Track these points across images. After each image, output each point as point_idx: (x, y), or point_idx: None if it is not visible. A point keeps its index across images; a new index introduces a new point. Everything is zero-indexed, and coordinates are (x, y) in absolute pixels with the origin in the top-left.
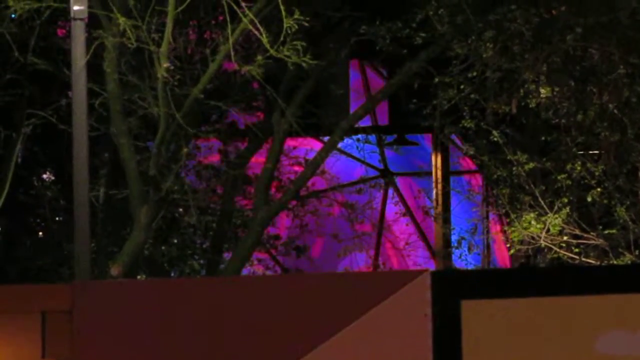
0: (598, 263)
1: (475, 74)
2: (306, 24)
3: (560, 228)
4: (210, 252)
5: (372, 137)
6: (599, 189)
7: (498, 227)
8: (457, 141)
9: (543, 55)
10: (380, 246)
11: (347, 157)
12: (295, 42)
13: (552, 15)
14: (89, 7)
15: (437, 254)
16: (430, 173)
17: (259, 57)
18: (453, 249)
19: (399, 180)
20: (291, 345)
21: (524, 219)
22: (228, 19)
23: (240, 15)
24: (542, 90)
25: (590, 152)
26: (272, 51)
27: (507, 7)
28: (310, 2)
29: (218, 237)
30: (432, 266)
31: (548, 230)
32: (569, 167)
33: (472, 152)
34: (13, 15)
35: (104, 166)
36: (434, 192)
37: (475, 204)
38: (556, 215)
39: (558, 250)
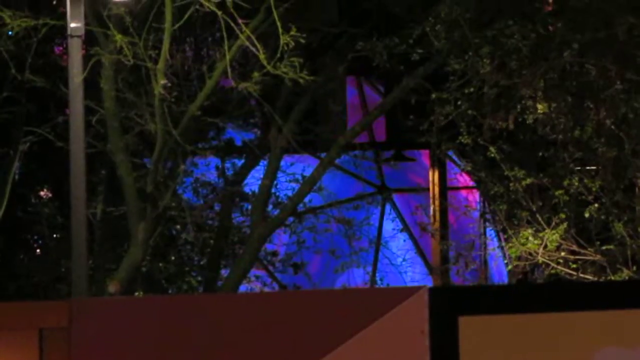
0: (596, 279)
1: (472, 89)
2: (303, 41)
3: (557, 244)
4: (208, 269)
5: (370, 153)
6: (596, 205)
7: (495, 243)
8: (455, 157)
9: (540, 71)
10: (377, 262)
11: (344, 173)
12: (292, 59)
13: (549, 31)
14: (86, 24)
15: (434, 271)
16: (428, 189)
17: (256, 74)
18: (450, 265)
19: (396, 197)
20: None
21: (521, 234)
22: (225, 35)
23: (237, 31)
24: (539, 106)
25: (588, 167)
26: (269, 67)
27: (504, 23)
28: (307, 19)
29: (215, 253)
30: (429, 282)
31: (545, 246)
32: (566, 182)
33: (469, 168)
34: (10, 33)
35: (101, 183)
36: (432, 208)
37: (473, 220)
38: (554, 231)
39: (555, 266)
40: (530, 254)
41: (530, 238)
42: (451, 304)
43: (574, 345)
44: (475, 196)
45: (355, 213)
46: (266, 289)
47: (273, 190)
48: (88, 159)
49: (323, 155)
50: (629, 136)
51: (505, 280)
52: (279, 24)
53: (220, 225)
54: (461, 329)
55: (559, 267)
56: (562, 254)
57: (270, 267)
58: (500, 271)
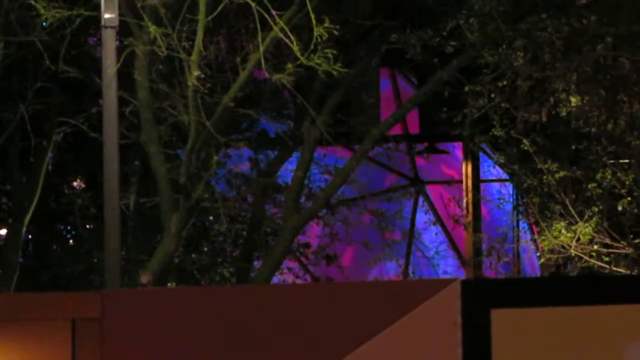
0: (628, 272)
1: (505, 82)
2: (336, 33)
3: (590, 237)
4: (241, 260)
5: (403, 146)
6: (629, 198)
7: (528, 236)
8: (488, 150)
9: (573, 64)
10: (410, 255)
11: (378, 165)
12: (325, 50)
13: (582, 24)
14: (120, 15)
15: (467, 263)
16: (461, 181)
17: (290, 65)
18: (483, 258)
19: (429, 189)
20: (322, 353)
21: (554, 227)
22: (259, 27)
23: (271, 23)
24: (573, 99)
25: (621, 161)
26: (302, 59)
27: (537, 16)
28: (340, 11)
29: (248, 245)
30: (462, 275)
31: (578, 239)
32: (599, 176)
33: (502, 161)
34: (44, 24)
35: (135, 174)
36: (465, 200)
37: (506, 212)
38: (586, 224)
39: (588, 259)
40: (562, 247)
41: (563, 231)
42: (484, 296)
43: (606, 339)
44: (508, 189)
45: (388, 205)
46: (299, 281)
47: (306, 182)
48: (121, 150)
49: (356, 147)
50: None
51: (538, 273)
52: (312, 15)
53: (253, 217)
54: (493, 321)
55: (591, 260)
56: (595, 247)
57: (303, 259)
58: (532, 264)
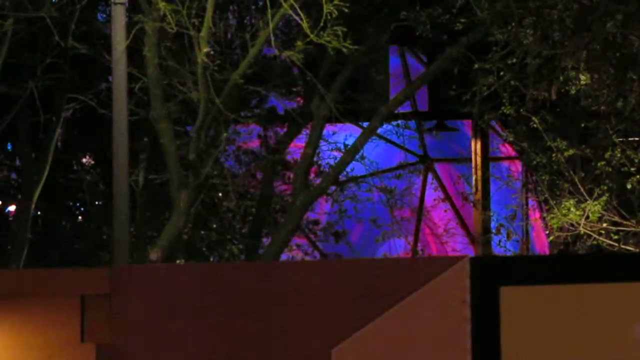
0: (637, 250)
1: (515, 60)
2: (346, 9)
3: (599, 215)
4: (249, 237)
5: (412, 123)
6: (638, 176)
7: (537, 214)
8: (497, 127)
9: (583, 42)
10: (419, 232)
11: (387, 142)
12: (335, 27)
13: (592, 2)
14: None
15: (476, 241)
16: (470, 159)
17: (299, 42)
18: (492, 236)
19: (438, 166)
20: (330, 330)
21: (563, 205)
22: (268, 3)
23: (280, 0)
24: (582, 77)
25: (630, 139)
26: (312, 36)
27: None
28: None
29: (257, 222)
30: (471, 252)
31: (587, 217)
32: (608, 154)
33: (511, 139)
34: (54, 0)
35: (144, 151)
36: (474, 178)
37: (515, 190)
38: (595, 202)
39: (597, 237)
40: (572, 224)
41: (572, 209)
42: (492, 274)
43: (614, 317)
44: (517, 166)
45: (397, 182)
46: (307, 258)
47: (315, 159)
48: (130, 126)
49: (365, 124)
50: None
51: (547, 251)
52: None
53: (262, 194)
54: (502, 299)
55: (600, 238)
56: (604, 225)
57: (312, 236)
58: (541, 242)
